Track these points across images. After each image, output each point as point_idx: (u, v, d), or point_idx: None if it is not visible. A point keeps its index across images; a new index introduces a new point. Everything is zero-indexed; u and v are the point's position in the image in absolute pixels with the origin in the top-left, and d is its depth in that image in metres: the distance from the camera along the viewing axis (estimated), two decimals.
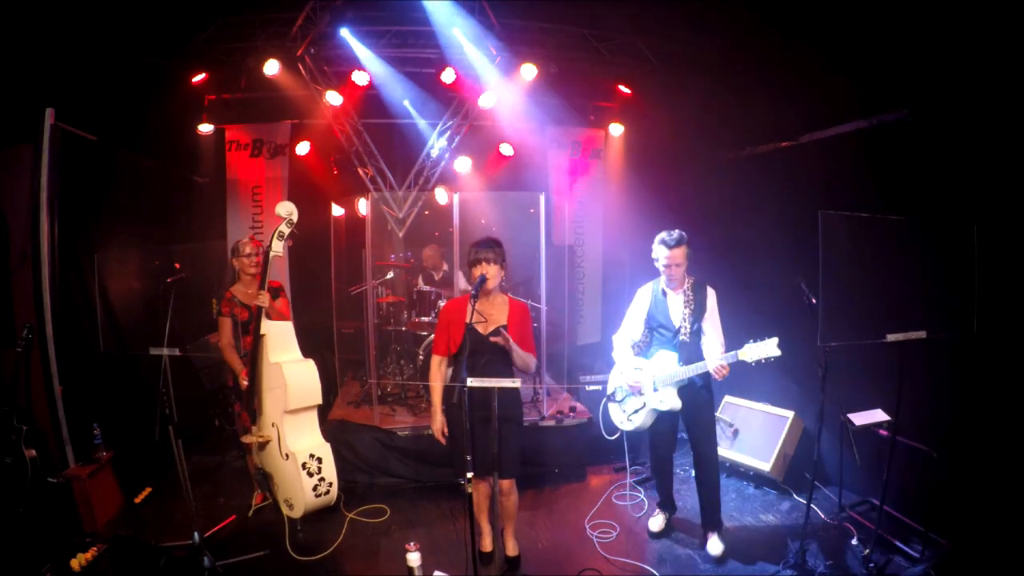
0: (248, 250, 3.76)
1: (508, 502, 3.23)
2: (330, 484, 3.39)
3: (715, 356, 3.22)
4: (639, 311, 3.52)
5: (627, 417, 3.54)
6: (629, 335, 3.56)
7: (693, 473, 3.62)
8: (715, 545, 3.40)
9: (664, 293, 3.45)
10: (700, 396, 3.40)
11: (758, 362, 2.98)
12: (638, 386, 3.44)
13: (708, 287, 3.44)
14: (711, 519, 3.46)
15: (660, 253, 3.34)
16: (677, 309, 3.40)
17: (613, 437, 3.77)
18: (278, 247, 3.37)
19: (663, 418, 3.46)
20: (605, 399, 3.70)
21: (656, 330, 3.46)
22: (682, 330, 3.35)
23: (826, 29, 4.08)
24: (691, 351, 3.36)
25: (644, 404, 3.42)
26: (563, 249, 6.29)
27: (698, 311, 3.36)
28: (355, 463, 4.45)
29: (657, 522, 3.68)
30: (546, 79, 5.71)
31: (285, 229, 3.38)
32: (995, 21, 3.16)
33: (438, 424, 3.18)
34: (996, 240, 3.26)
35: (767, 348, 2.95)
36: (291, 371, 3.36)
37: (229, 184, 6.05)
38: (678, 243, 3.29)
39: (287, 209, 3.40)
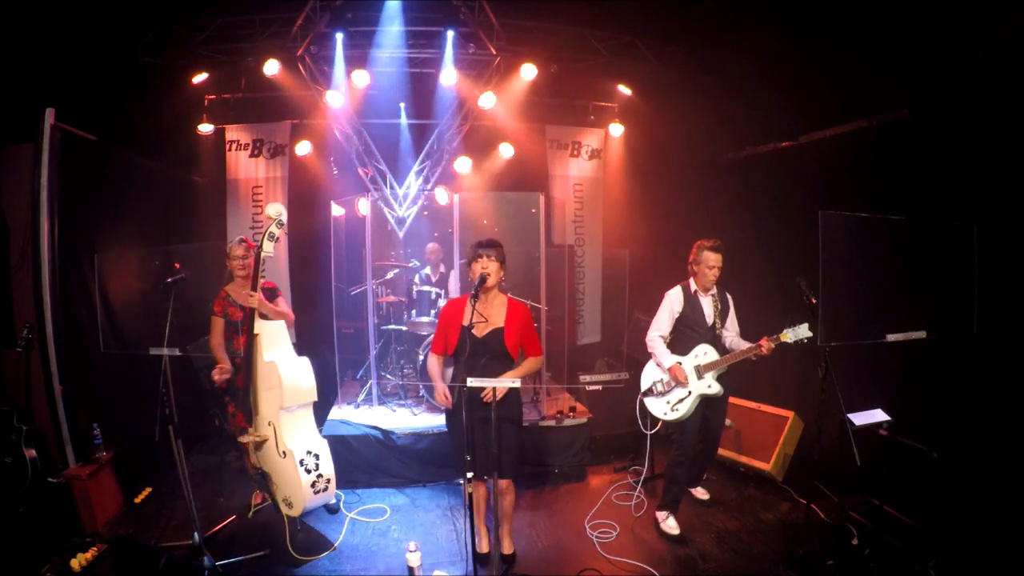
0: (238, 252, 3.77)
1: (505, 502, 3.23)
2: (328, 480, 3.41)
3: (750, 343, 3.52)
4: (673, 312, 3.71)
5: (671, 407, 3.66)
6: (663, 334, 3.74)
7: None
8: (704, 492, 4.10)
9: (696, 296, 3.69)
10: (727, 382, 3.70)
11: (797, 342, 3.30)
12: (684, 376, 3.61)
13: (725, 291, 3.78)
14: (700, 477, 4.11)
15: (711, 258, 3.59)
16: (709, 310, 3.68)
17: (653, 431, 3.91)
18: (269, 247, 3.41)
19: (709, 403, 3.66)
20: (640, 395, 3.82)
21: (689, 328, 3.69)
22: (715, 327, 3.66)
23: (826, 29, 4.08)
24: (720, 345, 3.70)
25: (690, 392, 3.63)
26: (563, 249, 6.29)
27: (724, 311, 3.72)
28: (355, 463, 4.45)
29: (675, 523, 3.68)
30: (546, 79, 5.70)
31: (276, 230, 3.41)
32: (994, 21, 3.16)
33: (440, 389, 3.12)
34: (996, 240, 3.26)
35: (801, 331, 3.28)
36: (286, 369, 3.38)
37: (229, 184, 6.04)
38: (722, 249, 3.61)
39: (276, 210, 3.45)
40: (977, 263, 3.28)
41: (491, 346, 3.07)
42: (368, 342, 5.15)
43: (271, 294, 3.72)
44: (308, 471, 3.33)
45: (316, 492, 3.35)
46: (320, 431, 3.61)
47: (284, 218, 3.46)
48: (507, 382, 2.74)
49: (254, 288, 3.42)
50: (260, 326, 3.42)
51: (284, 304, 3.80)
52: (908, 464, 3.47)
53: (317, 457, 3.40)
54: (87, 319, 4.16)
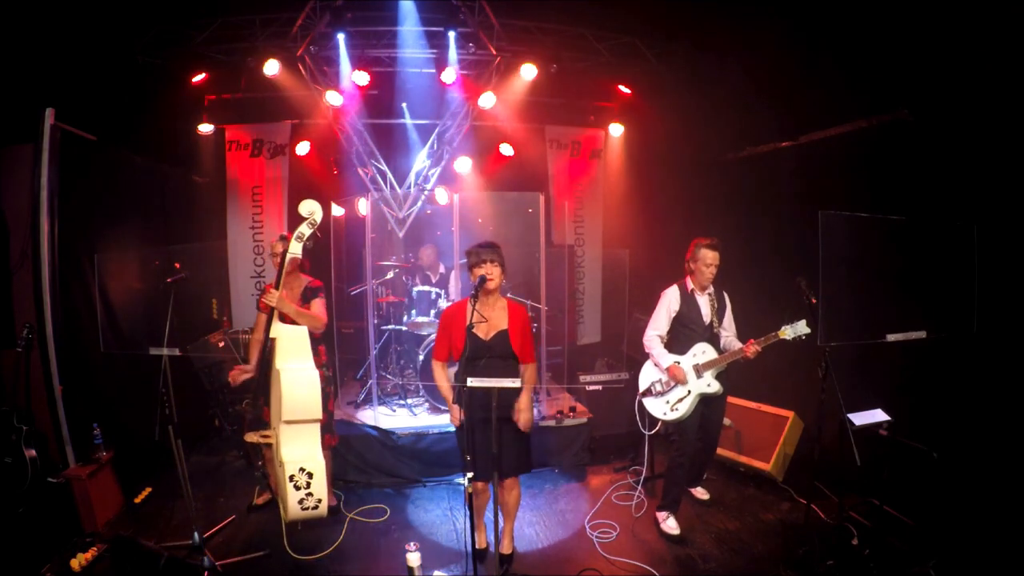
0: (278, 248, 3.54)
1: (510, 497, 3.22)
2: (319, 500, 3.21)
3: (746, 342, 3.49)
4: (671, 311, 3.71)
5: (671, 407, 3.66)
6: (660, 333, 3.74)
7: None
8: (704, 492, 4.10)
9: (693, 295, 3.69)
10: (725, 381, 3.69)
11: (796, 339, 3.30)
12: (682, 376, 3.61)
13: (723, 290, 3.78)
14: (700, 477, 4.13)
15: (709, 256, 3.59)
16: (706, 308, 3.69)
17: (652, 431, 3.92)
18: (296, 248, 3.15)
19: (707, 402, 3.66)
20: (639, 396, 3.82)
21: (686, 327, 3.70)
22: (713, 326, 3.66)
23: (826, 29, 4.08)
24: (718, 343, 3.69)
25: (689, 392, 3.62)
26: (563, 249, 6.29)
27: (721, 310, 3.73)
28: (355, 463, 4.45)
29: (675, 523, 3.67)
30: (546, 79, 5.71)
31: (305, 230, 3.14)
32: (994, 22, 3.17)
33: (455, 414, 3.12)
34: (996, 240, 3.26)
35: (800, 327, 3.28)
36: (288, 381, 3.16)
37: (229, 184, 6.05)
38: (719, 247, 3.61)
39: (308, 208, 3.14)
40: (977, 263, 3.28)
41: (498, 349, 3.06)
42: (368, 342, 5.15)
43: (312, 294, 3.57)
44: (297, 488, 3.16)
45: (304, 509, 3.18)
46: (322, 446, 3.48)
47: (318, 217, 3.14)
48: (507, 382, 2.74)
49: (276, 286, 3.27)
50: (277, 330, 3.22)
51: (319, 306, 3.57)
52: (908, 464, 3.47)
53: (310, 476, 3.19)
54: (87, 319, 4.16)
